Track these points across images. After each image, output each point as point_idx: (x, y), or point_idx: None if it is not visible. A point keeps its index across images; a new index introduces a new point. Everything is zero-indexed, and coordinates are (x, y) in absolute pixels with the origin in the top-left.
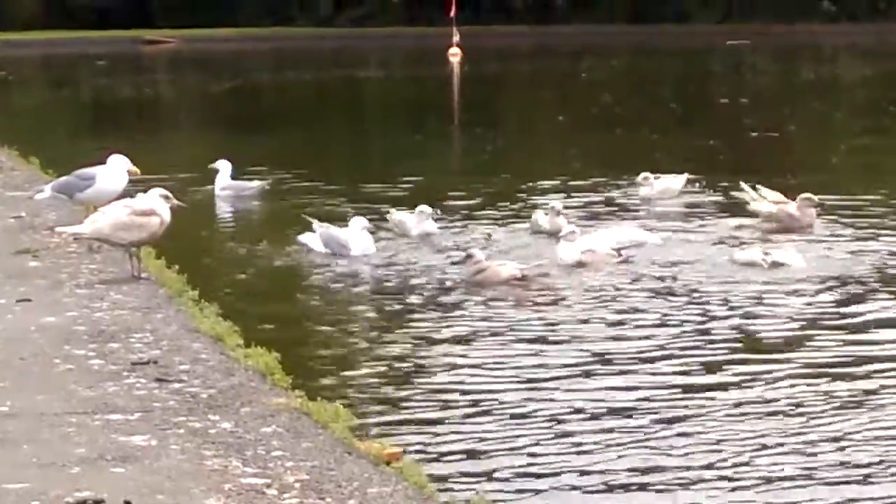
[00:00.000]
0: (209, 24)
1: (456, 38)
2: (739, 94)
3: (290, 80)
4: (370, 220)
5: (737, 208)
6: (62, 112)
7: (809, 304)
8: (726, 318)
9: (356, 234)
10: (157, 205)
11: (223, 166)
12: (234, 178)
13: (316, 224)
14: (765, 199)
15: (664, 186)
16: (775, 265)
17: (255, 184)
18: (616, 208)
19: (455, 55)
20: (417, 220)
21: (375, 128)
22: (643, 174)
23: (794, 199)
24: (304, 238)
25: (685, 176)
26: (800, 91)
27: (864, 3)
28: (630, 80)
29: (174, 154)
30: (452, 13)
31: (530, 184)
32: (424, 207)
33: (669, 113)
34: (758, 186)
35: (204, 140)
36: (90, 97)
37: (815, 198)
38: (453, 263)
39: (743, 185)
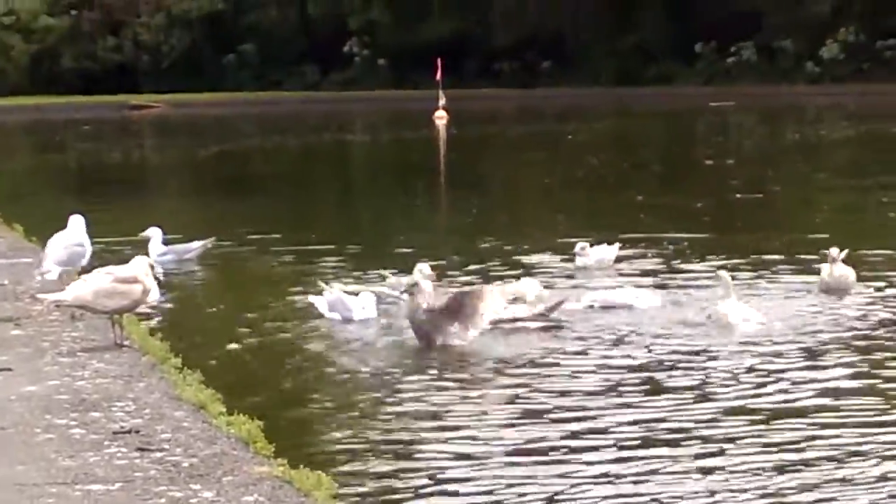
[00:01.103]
0: (196, 89)
1: (442, 102)
2: (724, 156)
3: (276, 144)
4: (351, 282)
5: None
6: (47, 177)
7: (766, 360)
8: (670, 374)
9: (361, 301)
10: (139, 272)
11: (154, 233)
12: (166, 242)
13: (326, 290)
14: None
15: (600, 256)
16: (726, 324)
17: (198, 244)
18: (597, 270)
19: (441, 118)
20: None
21: (362, 191)
22: (580, 244)
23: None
24: (314, 299)
25: (617, 245)
26: (784, 152)
27: (847, 65)
28: (615, 142)
29: (157, 218)
30: (438, 76)
31: (515, 245)
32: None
33: (655, 174)
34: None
35: (189, 204)
36: (76, 162)
37: (833, 252)
38: (402, 291)
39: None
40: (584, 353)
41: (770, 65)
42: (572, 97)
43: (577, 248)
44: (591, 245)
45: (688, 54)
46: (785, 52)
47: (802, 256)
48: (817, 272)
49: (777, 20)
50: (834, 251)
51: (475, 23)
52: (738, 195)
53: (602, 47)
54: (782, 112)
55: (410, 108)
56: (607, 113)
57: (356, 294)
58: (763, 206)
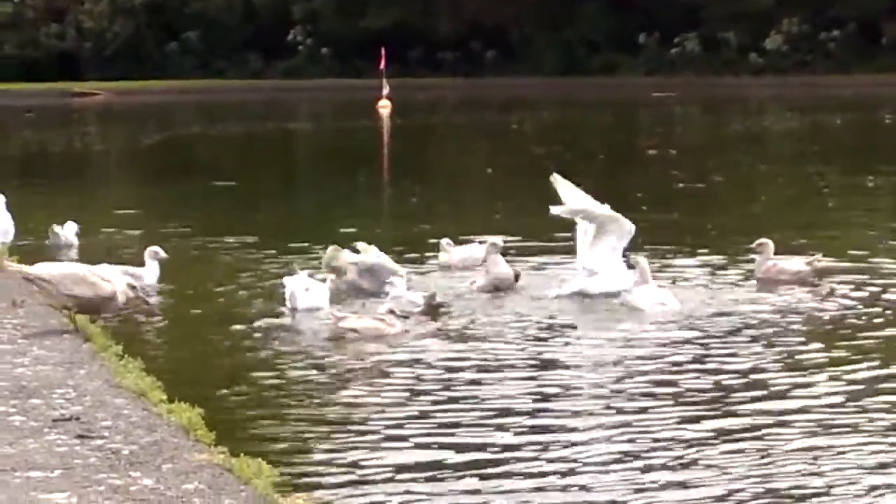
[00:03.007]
0: (139, 77)
1: (386, 91)
2: (667, 146)
3: (219, 133)
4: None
5: None
6: None
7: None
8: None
9: (311, 289)
10: (116, 280)
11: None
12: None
13: (299, 271)
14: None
15: (466, 254)
16: (637, 309)
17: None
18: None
19: (385, 107)
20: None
21: (304, 179)
22: (445, 240)
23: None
24: (287, 280)
25: (490, 240)
26: (726, 142)
27: (790, 56)
28: (559, 132)
29: (97, 205)
30: (382, 65)
31: (450, 232)
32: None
33: (598, 164)
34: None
35: (130, 191)
36: (18, 149)
37: (755, 243)
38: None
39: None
40: (507, 343)
41: (714, 56)
42: (516, 87)
43: (442, 243)
44: (455, 244)
45: (631, 45)
46: (728, 43)
47: (741, 245)
48: (753, 261)
49: (721, 11)
50: (762, 241)
51: (419, 12)
52: (681, 184)
53: (546, 38)
54: (725, 103)
55: (354, 96)
56: (551, 103)
57: (322, 279)
58: (704, 195)
